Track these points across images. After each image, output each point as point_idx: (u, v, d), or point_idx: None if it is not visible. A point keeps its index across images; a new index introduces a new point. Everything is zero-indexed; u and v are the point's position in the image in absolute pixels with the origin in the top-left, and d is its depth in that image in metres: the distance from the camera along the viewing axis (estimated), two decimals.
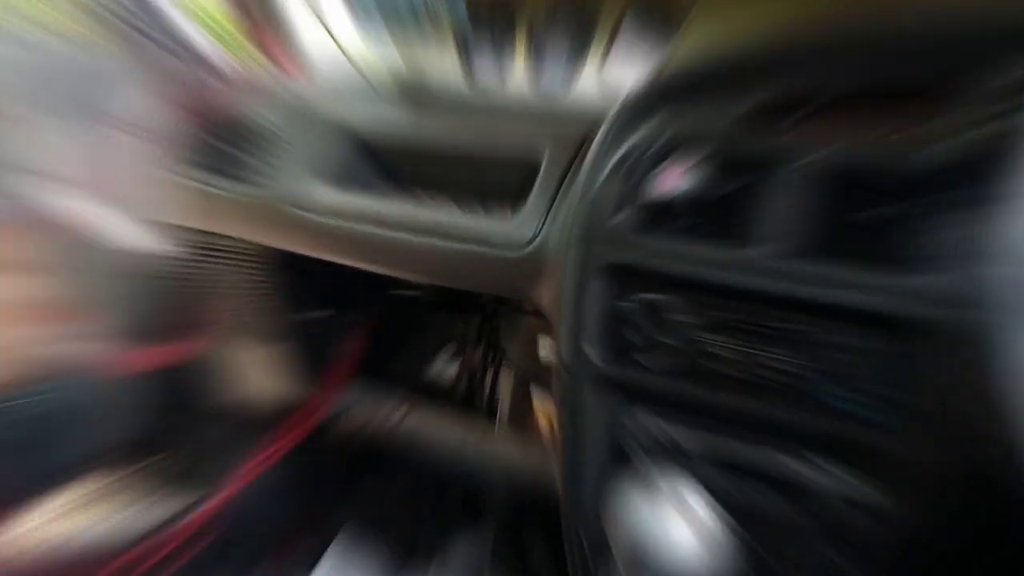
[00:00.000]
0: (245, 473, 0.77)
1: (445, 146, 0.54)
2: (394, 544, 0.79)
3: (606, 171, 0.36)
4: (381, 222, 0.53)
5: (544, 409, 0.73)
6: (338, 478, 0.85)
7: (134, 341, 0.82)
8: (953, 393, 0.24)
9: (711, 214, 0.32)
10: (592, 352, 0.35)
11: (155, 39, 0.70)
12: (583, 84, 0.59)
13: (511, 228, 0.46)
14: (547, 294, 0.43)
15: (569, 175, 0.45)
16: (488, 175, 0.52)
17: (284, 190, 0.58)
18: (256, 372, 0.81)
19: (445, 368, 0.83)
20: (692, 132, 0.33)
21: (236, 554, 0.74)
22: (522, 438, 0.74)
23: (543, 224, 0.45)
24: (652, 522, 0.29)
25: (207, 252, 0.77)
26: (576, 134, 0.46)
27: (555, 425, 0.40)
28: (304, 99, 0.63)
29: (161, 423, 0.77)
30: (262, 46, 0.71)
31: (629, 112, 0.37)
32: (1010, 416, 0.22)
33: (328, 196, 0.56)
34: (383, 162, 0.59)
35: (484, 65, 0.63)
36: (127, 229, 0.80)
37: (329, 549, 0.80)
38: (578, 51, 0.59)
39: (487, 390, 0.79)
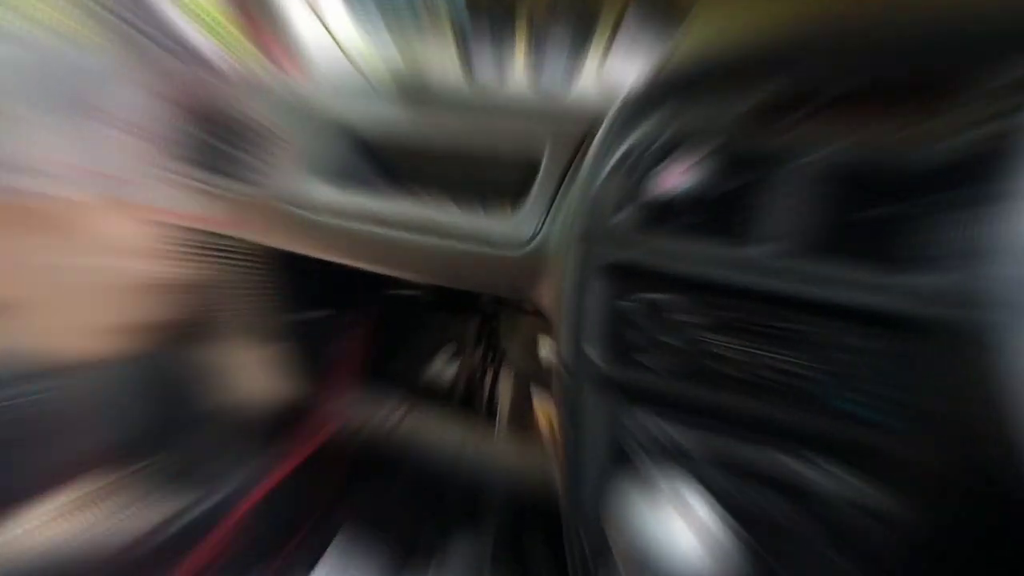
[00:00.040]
0: (262, 478, 0.77)
1: (444, 144, 0.54)
2: (394, 544, 0.79)
3: (607, 169, 0.36)
4: (380, 221, 0.52)
5: (544, 409, 0.73)
6: (338, 478, 0.85)
7: (133, 340, 0.82)
8: (955, 393, 0.24)
9: (712, 213, 0.32)
10: (593, 352, 0.35)
11: (153, 37, 0.70)
12: (584, 81, 0.59)
13: (511, 227, 0.46)
14: (547, 294, 0.43)
15: (570, 173, 0.45)
16: (488, 173, 0.52)
17: (282, 189, 0.58)
18: (256, 372, 0.81)
19: (445, 368, 0.83)
20: (694, 130, 0.33)
21: (236, 554, 0.74)
22: (522, 439, 0.74)
23: (543, 223, 0.45)
24: (653, 523, 0.29)
25: (207, 252, 0.77)
26: (577, 132, 0.46)
27: (555, 426, 0.40)
28: (302, 97, 0.63)
29: (160, 423, 0.77)
30: (260, 44, 0.70)
31: (630, 110, 0.37)
32: (1012, 416, 0.22)
33: (326, 195, 0.56)
34: (382, 160, 0.59)
35: (484, 62, 0.63)
36: (126, 229, 0.80)
37: (329, 549, 0.80)
38: (579, 48, 0.59)
39: (487, 390, 0.79)
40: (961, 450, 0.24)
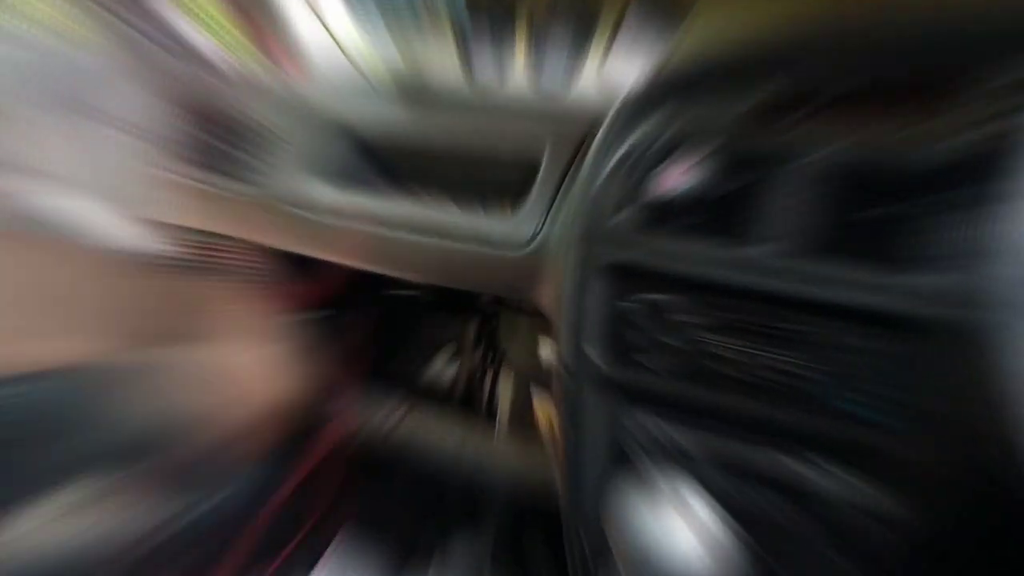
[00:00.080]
0: (262, 478, 0.77)
1: (444, 144, 0.54)
2: (394, 544, 0.79)
3: (607, 170, 0.36)
4: (380, 221, 0.52)
5: (544, 409, 0.72)
6: (338, 478, 0.85)
7: (133, 340, 0.82)
8: (955, 393, 0.24)
9: (713, 213, 0.31)
10: (593, 352, 0.35)
11: (153, 37, 0.70)
12: (584, 82, 0.59)
13: (511, 227, 0.46)
14: (547, 294, 0.43)
15: (570, 174, 0.45)
16: (488, 174, 0.52)
17: (282, 189, 0.58)
18: (256, 372, 0.81)
19: (445, 368, 0.83)
20: (694, 130, 0.33)
21: (236, 554, 0.74)
22: (522, 439, 0.74)
23: (543, 223, 0.45)
24: (653, 523, 0.29)
25: (207, 252, 0.77)
26: (577, 132, 0.46)
27: (555, 426, 0.40)
28: (302, 97, 0.63)
29: (160, 423, 0.77)
30: (260, 44, 0.70)
31: (630, 110, 0.37)
32: (1012, 416, 0.22)
33: (327, 195, 0.56)
34: (382, 160, 0.59)
35: (484, 62, 0.63)
36: (126, 229, 0.80)
37: (329, 549, 0.79)
38: (579, 48, 0.59)
39: (487, 390, 0.79)
40: (961, 450, 0.24)
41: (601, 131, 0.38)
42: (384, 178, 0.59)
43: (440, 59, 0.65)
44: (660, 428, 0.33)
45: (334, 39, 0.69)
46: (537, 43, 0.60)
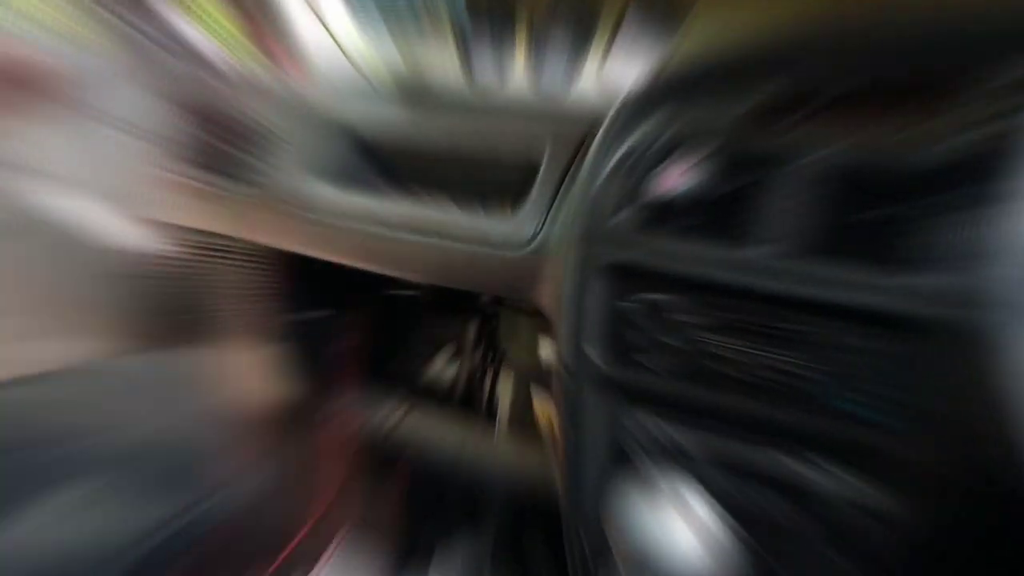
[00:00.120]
0: (262, 478, 0.77)
1: (445, 145, 0.54)
2: (394, 544, 0.79)
3: (607, 170, 0.36)
4: (381, 222, 0.52)
5: (544, 409, 0.72)
6: (338, 478, 0.85)
7: (133, 341, 0.82)
8: (955, 393, 0.24)
9: (712, 213, 0.32)
10: (593, 352, 0.35)
11: (154, 38, 0.70)
12: (584, 82, 0.59)
13: (511, 228, 0.46)
14: (547, 294, 0.43)
15: (569, 174, 0.45)
16: (488, 174, 0.52)
17: (283, 189, 0.58)
18: (256, 372, 0.81)
19: (445, 368, 0.83)
20: (693, 131, 0.33)
21: (236, 554, 0.74)
22: (522, 439, 0.74)
23: (543, 224, 0.45)
24: (653, 523, 0.29)
25: (207, 252, 0.77)
26: (577, 133, 0.46)
27: (555, 426, 0.40)
28: (303, 98, 0.63)
29: (160, 423, 0.77)
30: (261, 45, 0.70)
31: (630, 111, 0.37)
32: (1012, 416, 0.22)
33: (327, 195, 0.56)
34: (382, 161, 0.59)
35: (484, 63, 0.63)
36: (126, 229, 0.80)
37: (329, 549, 0.79)
38: (579, 49, 0.59)
39: (487, 390, 0.79)
40: (961, 450, 0.24)
41: (601, 132, 0.38)
42: (384, 178, 0.59)
43: (440, 60, 0.65)
44: (660, 428, 0.33)
45: (335, 40, 0.69)
46: (537, 44, 0.60)
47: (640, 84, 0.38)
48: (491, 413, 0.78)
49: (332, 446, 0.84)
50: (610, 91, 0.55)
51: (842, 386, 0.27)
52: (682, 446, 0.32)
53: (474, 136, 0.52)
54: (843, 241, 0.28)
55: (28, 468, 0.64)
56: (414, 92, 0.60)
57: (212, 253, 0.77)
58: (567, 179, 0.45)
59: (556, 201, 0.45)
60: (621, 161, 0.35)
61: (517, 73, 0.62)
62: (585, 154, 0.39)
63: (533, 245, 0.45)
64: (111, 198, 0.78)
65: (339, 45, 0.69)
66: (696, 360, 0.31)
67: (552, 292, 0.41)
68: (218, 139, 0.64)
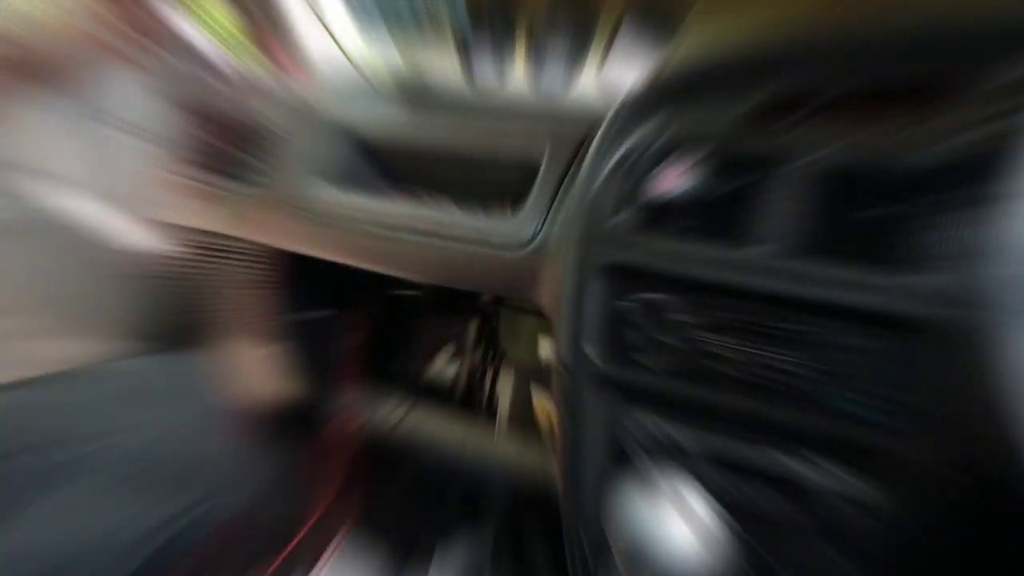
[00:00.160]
0: (262, 478, 0.77)
1: (445, 146, 0.54)
2: (394, 543, 0.79)
3: (606, 171, 0.36)
4: (381, 222, 0.53)
5: (544, 409, 0.73)
6: (338, 477, 0.85)
7: (134, 341, 0.82)
8: (953, 393, 0.24)
9: (711, 214, 0.32)
10: (592, 352, 0.35)
11: (157, 40, 0.70)
12: (583, 84, 0.59)
13: (511, 228, 0.46)
14: (547, 294, 0.43)
15: (569, 175, 0.45)
16: (488, 175, 0.52)
17: (285, 190, 0.58)
18: (256, 372, 0.81)
19: (445, 368, 0.83)
20: (692, 132, 0.33)
21: (236, 554, 0.74)
22: (522, 438, 0.74)
23: (543, 224, 0.45)
24: (652, 522, 0.29)
25: (209, 252, 0.77)
26: (576, 134, 0.46)
27: (555, 425, 0.40)
28: (305, 100, 0.63)
29: (160, 423, 0.77)
30: (263, 46, 0.71)
31: (629, 112, 0.37)
32: (1010, 415, 0.22)
33: (328, 196, 0.56)
34: (384, 162, 0.59)
35: (484, 65, 0.63)
36: (128, 229, 0.80)
37: (329, 549, 0.80)
38: (578, 51, 0.59)
39: (487, 390, 0.79)
40: (960, 450, 0.24)
41: (600, 133, 0.39)
42: (385, 179, 0.59)
43: (441, 61, 0.65)
44: (659, 427, 0.33)
45: (336, 42, 0.70)
46: (537, 46, 0.60)
47: (639, 85, 0.38)
48: (491, 412, 0.78)
49: (333, 445, 0.84)
50: (609, 92, 0.55)
51: (840, 385, 0.27)
52: (681, 445, 0.32)
53: (474, 137, 0.52)
54: (841, 241, 0.28)
55: (31, 470, 0.65)
56: (414, 93, 0.60)
57: (214, 253, 0.77)
58: (566, 180, 0.45)
59: (555, 202, 0.45)
60: (620, 162, 0.35)
61: (517, 74, 0.62)
62: (584, 155, 0.40)
63: (533, 245, 0.45)
64: (114, 198, 0.78)
65: (340, 46, 0.70)
66: (694, 359, 0.31)
67: (552, 292, 0.41)
68: (220, 140, 0.64)
